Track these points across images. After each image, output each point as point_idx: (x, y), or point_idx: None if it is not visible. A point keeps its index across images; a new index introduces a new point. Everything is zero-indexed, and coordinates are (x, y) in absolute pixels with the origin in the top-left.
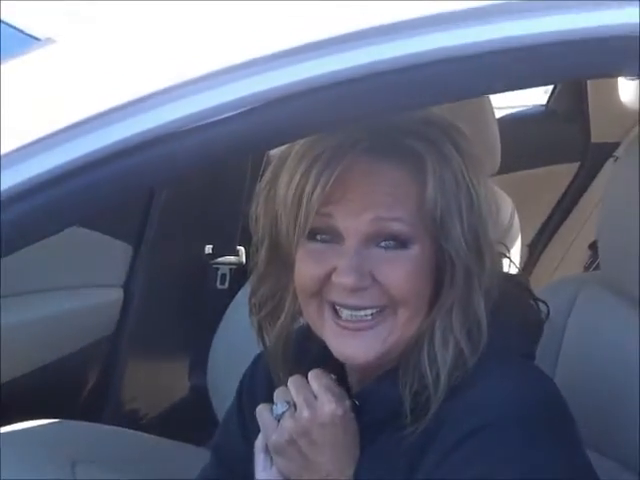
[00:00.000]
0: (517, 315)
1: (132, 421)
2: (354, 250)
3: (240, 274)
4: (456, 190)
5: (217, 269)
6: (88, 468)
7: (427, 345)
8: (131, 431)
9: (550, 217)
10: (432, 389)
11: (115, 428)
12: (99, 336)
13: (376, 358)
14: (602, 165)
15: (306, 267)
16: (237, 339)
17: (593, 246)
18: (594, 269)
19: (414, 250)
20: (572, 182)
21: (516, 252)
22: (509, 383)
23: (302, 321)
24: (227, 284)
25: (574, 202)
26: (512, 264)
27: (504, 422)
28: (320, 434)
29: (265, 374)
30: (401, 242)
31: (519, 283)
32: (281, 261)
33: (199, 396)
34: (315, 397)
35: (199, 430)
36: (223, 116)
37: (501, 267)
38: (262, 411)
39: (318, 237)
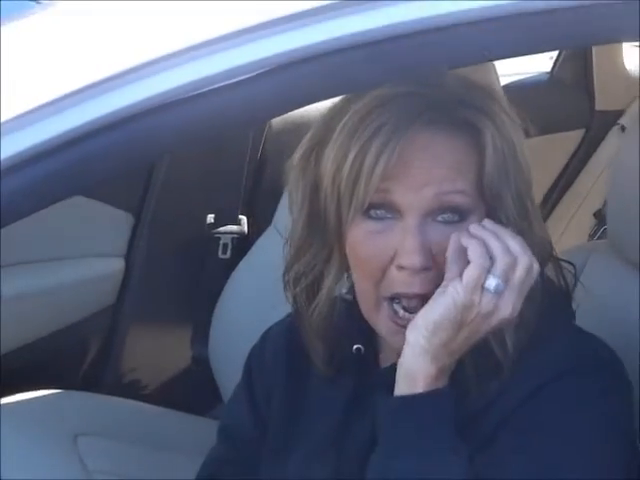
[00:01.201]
0: (550, 279)
1: (134, 391)
2: (417, 228)
3: (242, 244)
4: (509, 158)
5: (219, 239)
6: (90, 439)
7: None
8: (133, 401)
9: (554, 185)
10: (499, 351)
11: (117, 399)
12: (100, 306)
13: None
14: (606, 133)
15: (365, 251)
16: (239, 309)
17: (598, 214)
18: (599, 237)
19: (472, 222)
20: (576, 150)
21: None
22: (576, 338)
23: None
24: (229, 254)
25: (578, 170)
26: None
27: (582, 369)
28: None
29: (274, 351)
30: (460, 214)
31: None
32: (321, 235)
33: (201, 366)
34: None
35: (201, 400)
36: (230, 82)
37: (545, 229)
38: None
39: (372, 213)
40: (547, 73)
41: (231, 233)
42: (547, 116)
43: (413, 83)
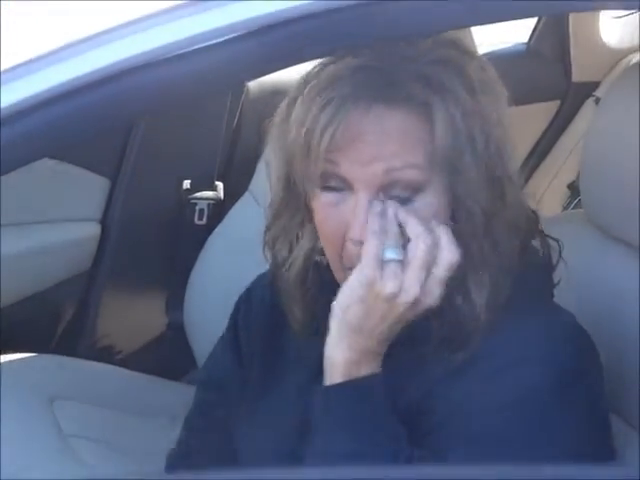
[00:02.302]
0: (533, 252)
1: (108, 356)
2: (366, 204)
3: (218, 209)
4: (468, 128)
5: (195, 204)
6: (66, 403)
7: (462, 298)
8: (109, 366)
9: (530, 156)
10: (470, 323)
11: (93, 363)
12: (76, 271)
13: None
14: (582, 104)
15: (324, 223)
16: (214, 275)
17: (572, 186)
18: (572, 208)
19: (428, 196)
20: (552, 121)
21: None
22: (547, 322)
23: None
24: (205, 219)
25: (554, 141)
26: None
27: (541, 359)
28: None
29: (261, 299)
30: (413, 189)
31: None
32: (296, 201)
33: (176, 332)
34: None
35: (175, 365)
36: (208, 43)
37: (525, 199)
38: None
39: (329, 184)
40: (524, 44)
41: (207, 199)
42: (523, 87)
43: (372, 55)
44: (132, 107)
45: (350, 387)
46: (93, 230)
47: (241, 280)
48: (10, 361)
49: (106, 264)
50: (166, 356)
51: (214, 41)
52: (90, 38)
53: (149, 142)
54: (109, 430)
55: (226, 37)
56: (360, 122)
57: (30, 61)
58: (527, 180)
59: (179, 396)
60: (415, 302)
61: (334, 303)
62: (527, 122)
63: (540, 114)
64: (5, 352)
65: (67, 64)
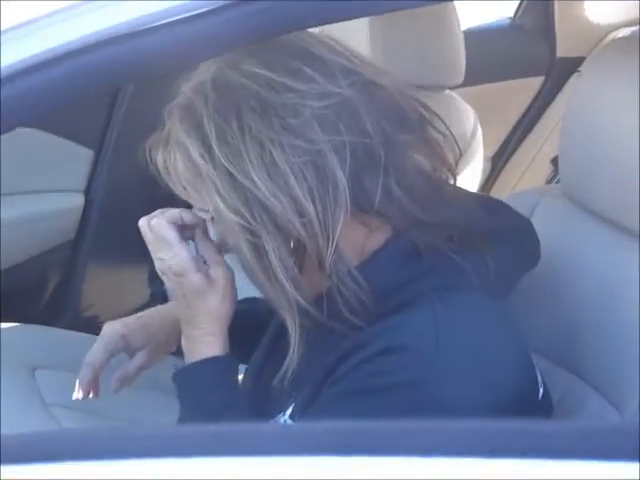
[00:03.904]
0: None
1: (91, 327)
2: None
3: None
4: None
5: None
6: (48, 372)
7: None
8: (91, 335)
9: (514, 130)
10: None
11: (75, 333)
12: (59, 241)
13: None
14: (567, 79)
15: None
16: None
17: (555, 161)
18: (555, 183)
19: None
20: (537, 96)
21: (478, 164)
22: (447, 313)
23: None
24: None
25: (538, 116)
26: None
27: (421, 347)
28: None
29: None
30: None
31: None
32: None
33: (159, 302)
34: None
35: None
36: (194, 12)
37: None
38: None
39: None
40: (509, 19)
41: None
42: (508, 62)
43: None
44: (116, 75)
45: (183, 372)
46: (77, 201)
47: None
48: None
49: (89, 235)
50: None
51: (200, 10)
52: (74, 6)
53: (133, 113)
54: (90, 399)
55: (213, 6)
56: None
57: (13, 27)
58: (512, 154)
59: (163, 367)
60: (182, 274)
61: None
62: (511, 97)
63: (525, 89)
64: None
65: (50, 31)
